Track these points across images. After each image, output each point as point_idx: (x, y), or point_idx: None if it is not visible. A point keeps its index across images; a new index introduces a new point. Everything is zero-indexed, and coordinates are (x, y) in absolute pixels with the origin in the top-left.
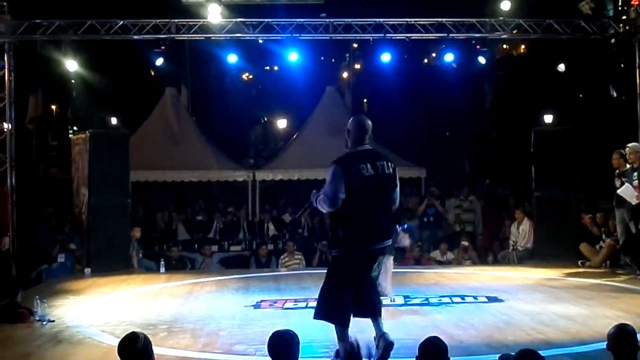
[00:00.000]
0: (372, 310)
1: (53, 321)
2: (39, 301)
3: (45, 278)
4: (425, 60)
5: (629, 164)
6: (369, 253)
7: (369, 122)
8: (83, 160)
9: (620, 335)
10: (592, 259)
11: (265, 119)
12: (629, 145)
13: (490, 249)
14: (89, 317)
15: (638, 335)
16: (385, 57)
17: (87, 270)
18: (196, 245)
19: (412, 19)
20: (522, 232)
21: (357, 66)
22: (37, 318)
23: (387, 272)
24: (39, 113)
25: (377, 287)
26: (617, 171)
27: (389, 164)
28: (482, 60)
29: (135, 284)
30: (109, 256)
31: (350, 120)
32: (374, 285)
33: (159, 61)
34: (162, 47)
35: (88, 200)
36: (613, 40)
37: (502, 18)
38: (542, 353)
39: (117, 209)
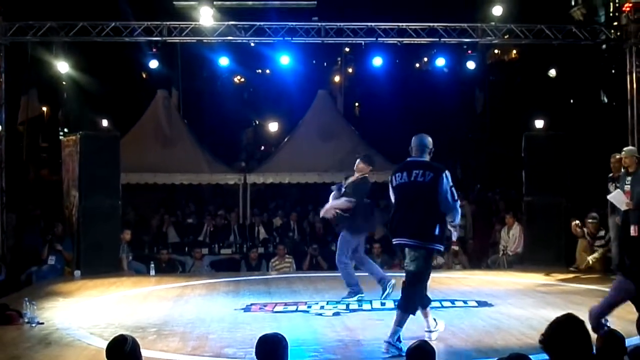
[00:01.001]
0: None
1: (42, 323)
2: (28, 303)
3: (35, 280)
4: (417, 65)
5: (624, 168)
6: (396, 245)
7: (421, 139)
8: (73, 162)
9: (609, 340)
10: (582, 258)
11: (257, 122)
12: (625, 149)
13: (480, 254)
14: (78, 320)
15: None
16: (377, 61)
17: (77, 273)
18: (186, 248)
19: (404, 24)
20: (512, 237)
21: (349, 70)
22: (27, 320)
23: None
24: (35, 114)
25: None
26: (611, 175)
27: (428, 173)
28: (473, 65)
29: (125, 287)
30: (98, 258)
31: None
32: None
33: (151, 64)
34: (154, 50)
35: (78, 202)
36: (604, 46)
37: (493, 23)
38: (532, 357)
39: (108, 211)
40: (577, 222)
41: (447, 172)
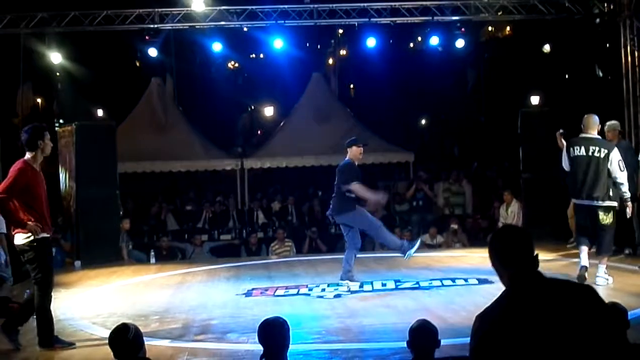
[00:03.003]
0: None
1: None
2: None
3: None
4: (411, 45)
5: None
6: (579, 204)
7: (594, 119)
8: (70, 153)
9: (612, 311)
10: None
11: (252, 107)
12: (607, 123)
13: (479, 231)
14: (80, 310)
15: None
16: (371, 42)
17: (77, 263)
18: (186, 235)
19: (397, 3)
20: (510, 214)
21: (343, 52)
22: None
23: None
24: (30, 105)
25: (604, 234)
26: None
27: (603, 149)
28: (466, 43)
29: (126, 276)
30: (98, 248)
31: None
32: (602, 230)
33: (150, 51)
34: (147, 37)
35: (76, 192)
36: (598, 20)
37: (486, 0)
38: None
39: (106, 200)
40: (562, 131)
41: (616, 148)
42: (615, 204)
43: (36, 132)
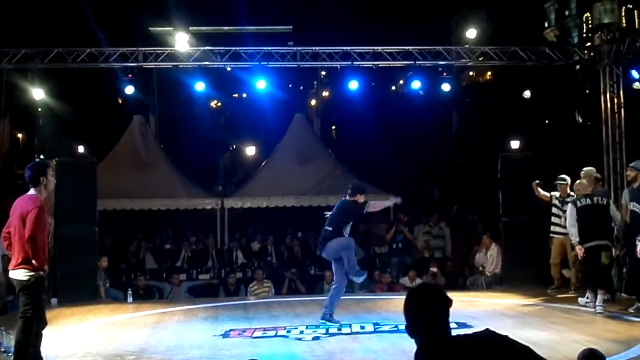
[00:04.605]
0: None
1: None
2: (4, 332)
3: (10, 309)
4: (393, 88)
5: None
6: (589, 248)
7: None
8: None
9: (590, 358)
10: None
11: (234, 147)
12: (584, 169)
13: (459, 275)
14: (55, 349)
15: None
16: (353, 85)
17: (54, 301)
18: (164, 274)
19: (379, 47)
20: (490, 258)
21: (325, 93)
22: (3, 349)
23: None
24: (8, 139)
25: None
26: (631, 188)
27: (604, 199)
28: (448, 87)
29: (103, 314)
30: (75, 286)
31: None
32: (603, 267)
33: (127, 89)
34: (130, 76)
35: (54, 229)
36: (578, 67)
37: (467, 45)
38: None
39: (84, 238)
40: (538, 181)
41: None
42: (613, 244)
43: (39, 169)
